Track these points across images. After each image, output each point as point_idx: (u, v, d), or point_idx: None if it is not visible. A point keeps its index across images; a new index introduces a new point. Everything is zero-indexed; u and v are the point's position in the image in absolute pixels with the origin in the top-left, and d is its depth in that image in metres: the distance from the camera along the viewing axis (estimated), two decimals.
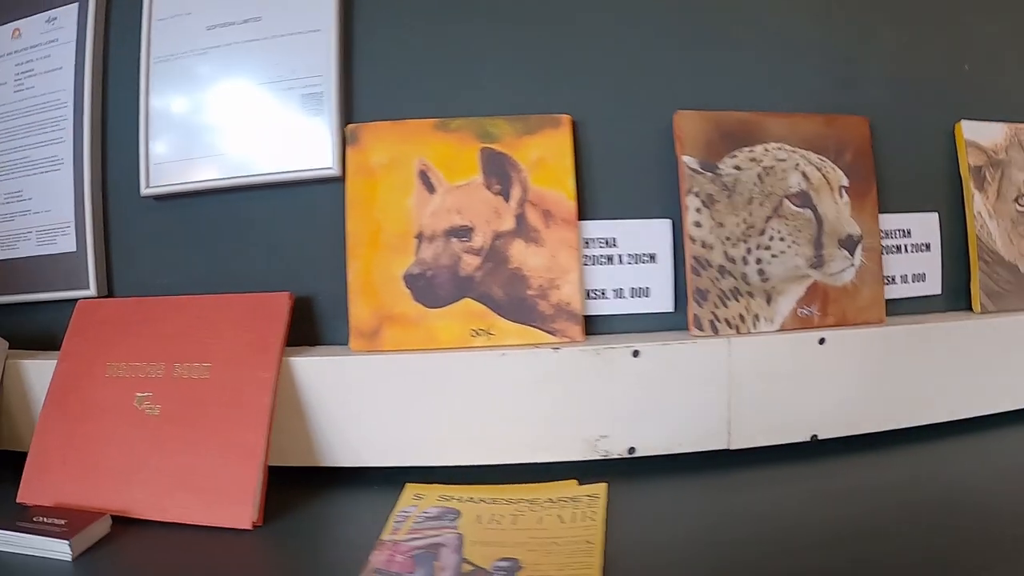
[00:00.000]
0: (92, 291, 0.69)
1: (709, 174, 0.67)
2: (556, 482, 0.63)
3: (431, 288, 0.66)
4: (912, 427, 0.70)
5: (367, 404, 0.65)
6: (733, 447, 0.67)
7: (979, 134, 0.75)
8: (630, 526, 0.56)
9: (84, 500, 0.60)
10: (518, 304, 0.66)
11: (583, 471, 0.65)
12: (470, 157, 0.66)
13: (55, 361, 0.66)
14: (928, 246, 0.75)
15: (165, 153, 0.68)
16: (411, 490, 0.63)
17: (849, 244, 0.70)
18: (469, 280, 0.66)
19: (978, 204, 0.75)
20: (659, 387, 0.65)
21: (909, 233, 0.74)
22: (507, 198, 0.66)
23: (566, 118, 0.67)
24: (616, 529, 0.56)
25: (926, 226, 0.75)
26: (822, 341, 0.67)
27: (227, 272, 0.70)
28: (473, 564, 0.51)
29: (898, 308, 0.74)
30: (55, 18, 0.68)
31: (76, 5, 0.68)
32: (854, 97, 0.73)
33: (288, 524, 0.59)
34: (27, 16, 0.69)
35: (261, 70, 0.68)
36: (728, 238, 0.67)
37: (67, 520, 0.56)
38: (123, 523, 0.58)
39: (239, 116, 0.68)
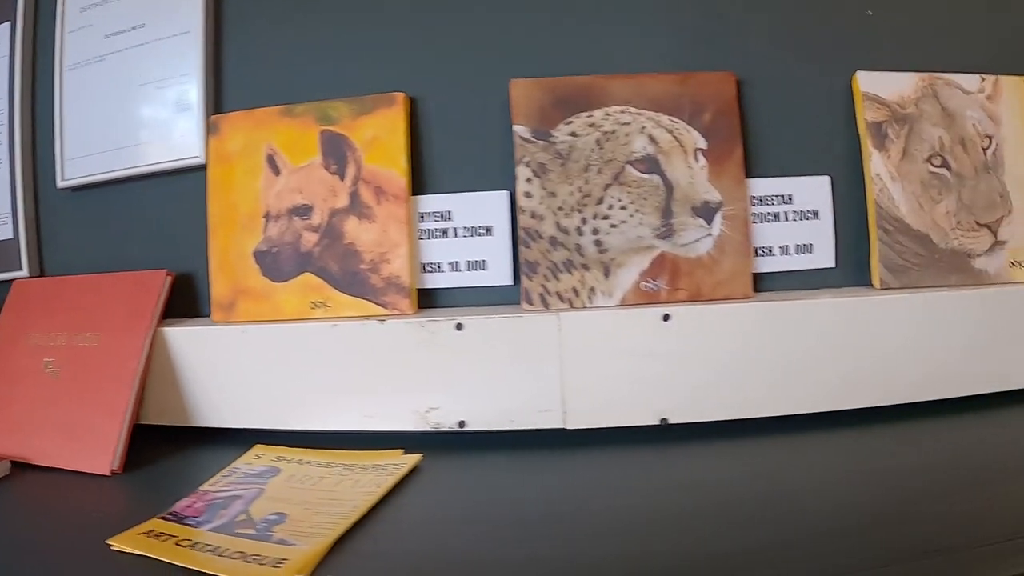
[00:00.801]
0: (25, 272, 0.80)
1: (541, 142, 0.65)
2: (382, 450, 0.65)
3: (276, 264, 0.70)
4: (779, 416, 0.63)
5: (226, 370, 0.70)
6: (569, 427, 0.64)
7: (880, 86, 0.66)
8: (423, 497, 0.57)
9: None
10: (351, 278, 0.68)
11: (420, 442, 0.65)
12: (311, 140, 0.69)
13: None
14: (816, 213, 0.67)
15: (74, 149, 0.78)
16: (256, 450, 0.68)
17: (705, 212, 0.65)
18: (308, 256, 0.69)
19: (878, 165, 0.66)
20: (485, 361, 0.64)
21: (790, 199, 0.67)
22: (342, 177, 0.69)
23: (400, 96, 0.68)
24: (408, 498, 0.56)
25: (813, 191, 0.67)
26: (666, 317, 0.63)
27: (127, 252, 0.78)
28: (248, 515, 0.54)
29: (778, 283, 0.68)
30: None
31: (8, 24, 0.79)
32: (722, 52, 0.67)
33: (144, 473, 0.66)
34: None
35: (146, 71, 0.75)
36: (560, 208, 0.65)
37: None
38: (23, 467, 0.68)
39: (129, 113, 0.76)
